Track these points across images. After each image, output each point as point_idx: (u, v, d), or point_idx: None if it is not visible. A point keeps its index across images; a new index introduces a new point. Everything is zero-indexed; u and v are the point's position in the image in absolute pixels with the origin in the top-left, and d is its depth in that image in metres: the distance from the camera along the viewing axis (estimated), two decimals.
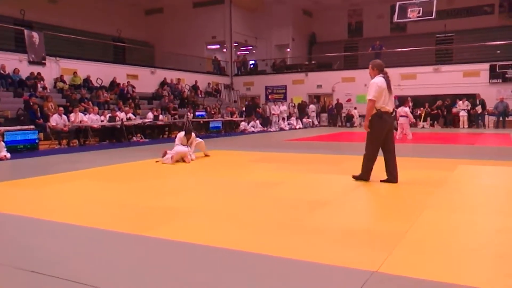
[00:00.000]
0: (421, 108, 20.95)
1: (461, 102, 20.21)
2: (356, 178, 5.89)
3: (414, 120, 15.72)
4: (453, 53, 23.82)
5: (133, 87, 18.78)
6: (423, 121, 20.79)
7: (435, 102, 20.86)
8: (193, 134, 8.90)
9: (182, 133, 8.73)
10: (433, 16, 18.31)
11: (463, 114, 20.08)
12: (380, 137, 5.64)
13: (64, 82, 16.47)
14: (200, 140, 9.26)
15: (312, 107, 23.98)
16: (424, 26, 24.38)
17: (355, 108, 22.73)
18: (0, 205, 4.77)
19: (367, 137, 5.75)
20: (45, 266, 2.84)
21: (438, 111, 20.72)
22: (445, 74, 21.45)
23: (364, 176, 5.81)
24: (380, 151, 5.73)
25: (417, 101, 20.87)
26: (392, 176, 5.68)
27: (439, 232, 3.51)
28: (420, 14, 18.76)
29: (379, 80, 5.60)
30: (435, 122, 20.86)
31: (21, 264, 2.88)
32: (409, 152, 10.11)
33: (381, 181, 5.71)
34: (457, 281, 2.48)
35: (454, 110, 20.73)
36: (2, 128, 10.66)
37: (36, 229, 3.81)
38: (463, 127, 19.82)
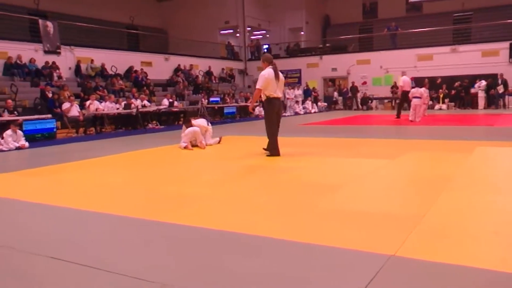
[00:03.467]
0: (440, 90, 20.56)
1: (482, 81, 19.70)
2: (267, 155, 6.84)
3: (427, 102, 15.23)
4: (471, 33, 23.21)
5: (146, 74, 18.81)
6: (442, 103, 20.42)
7: (453, 83, 20.44)
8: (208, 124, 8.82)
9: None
10: None
11: (481, 95, 19.63)
12: (273, 117, 6.81)
13: (80, 70, 16.64)
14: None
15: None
16: (441, 5, 23.75)
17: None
18: (19, 192, 4.87)
19: (264, 119, 6.98)
20: (63, 251, 2.89)
21: (462, 91, 20.27)
22: (462, 54, 20.93)
23: (273, 151, 6.78)
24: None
25: (433, 83, 20.41)
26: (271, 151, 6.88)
27: (457, 215, 3.46)
28: None
29: (267, 72, 6.72)
30: (454, 104, 20.44)
31: (38, 250, 2.94)
32: (425, 135, 9.97)
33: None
34: (476, 264, 2.45)
35: (472, 90, 20.30)
36: (21, 118, 10.82)
37: (54, 216, 3.88)
38: (483, 108, 19.42)
